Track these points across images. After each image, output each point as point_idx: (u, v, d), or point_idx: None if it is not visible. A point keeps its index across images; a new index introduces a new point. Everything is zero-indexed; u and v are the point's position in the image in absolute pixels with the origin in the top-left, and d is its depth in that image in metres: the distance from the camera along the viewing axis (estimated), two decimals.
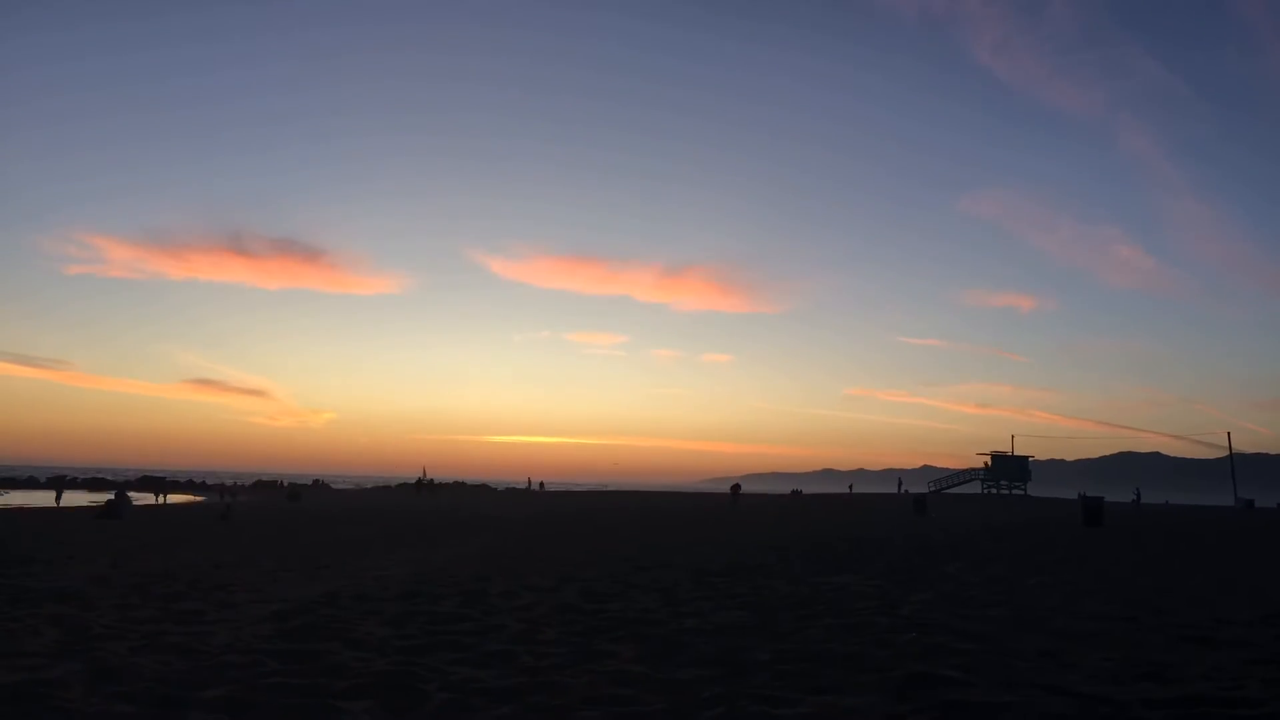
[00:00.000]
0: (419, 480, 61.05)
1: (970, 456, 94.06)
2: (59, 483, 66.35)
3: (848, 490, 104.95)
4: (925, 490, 74.31)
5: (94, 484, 79.27)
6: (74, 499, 52.01)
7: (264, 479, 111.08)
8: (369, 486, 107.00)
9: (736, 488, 60.09)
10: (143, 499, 50.75)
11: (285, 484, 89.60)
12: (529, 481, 58.49)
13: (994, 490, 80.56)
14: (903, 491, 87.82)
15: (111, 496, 30.60)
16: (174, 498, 60.31)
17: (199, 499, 60.71)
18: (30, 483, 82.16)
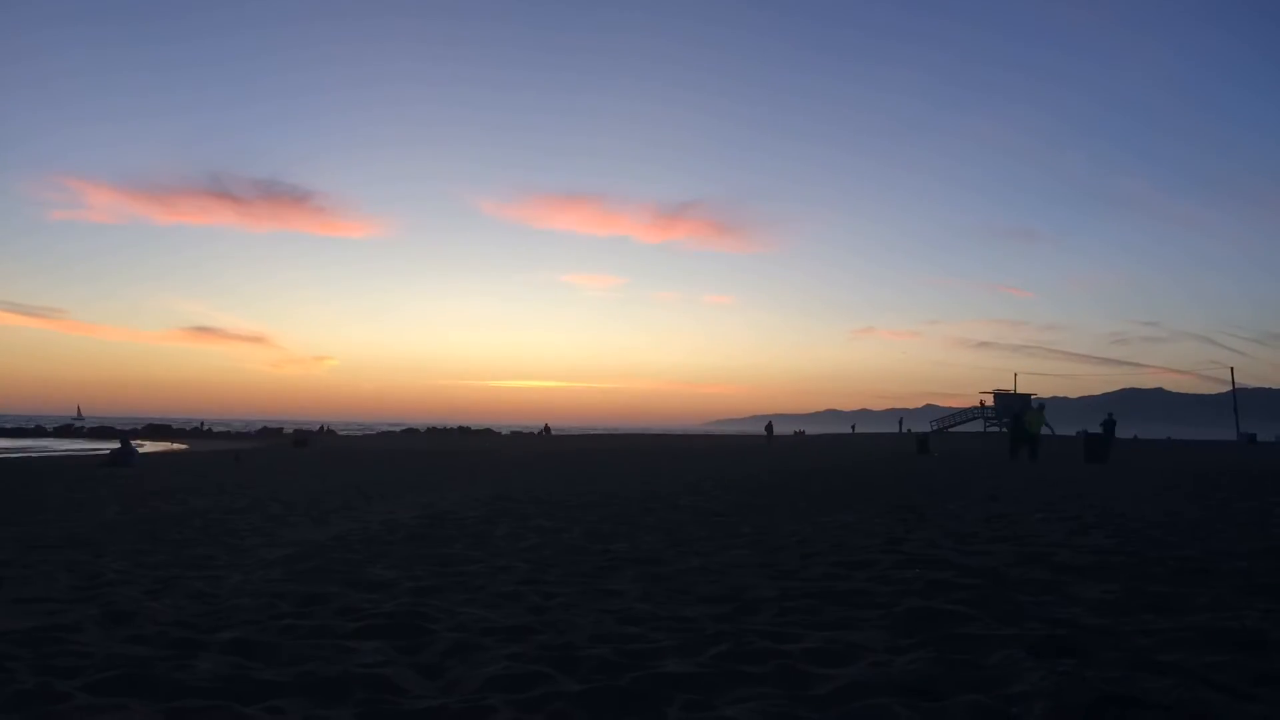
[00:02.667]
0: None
1: (973, 395, 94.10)
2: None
3: (850, 430, 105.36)
4: (928, 430, 74.64)
5: (101, 433, 79.78)
6: (80, 446, 52.32)
7: (269, 426, 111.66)
8: (375, 433, 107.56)
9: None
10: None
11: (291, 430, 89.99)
12: (546, 427, 62.15)
13: (996, 429, 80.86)
14: (905, 431, 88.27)
15: (117, 444, 30.74)
16: (175, 446, 60.60)
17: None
18: (38, 431, 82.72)
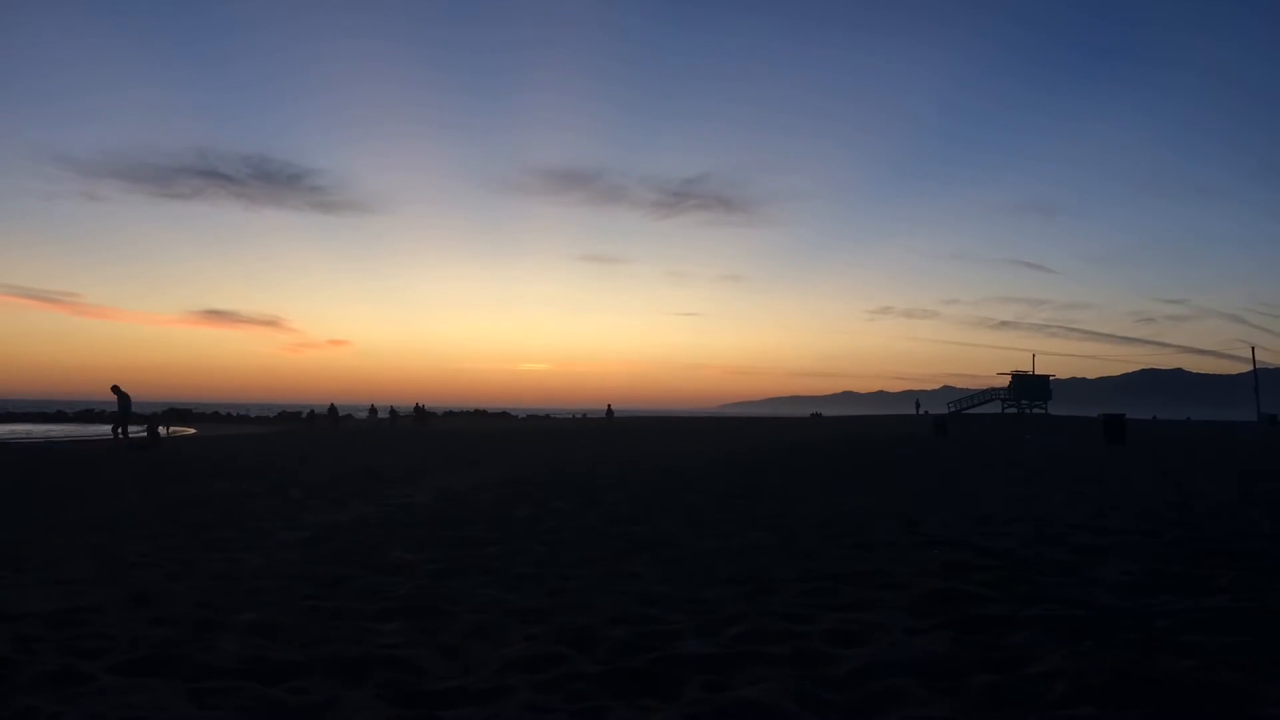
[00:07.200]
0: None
1: (990, 376, 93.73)
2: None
3: (867, 414, 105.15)
4: (945, 411, 74.41)
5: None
6: (101, 431, 52.75)
7: (287, 410, 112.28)
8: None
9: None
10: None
11: (306, 414, 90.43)
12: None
13: (1014, 410, 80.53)
14: (921, 413, 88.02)
15: (141, 430, 31.04)
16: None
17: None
18: (59, 416, 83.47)
